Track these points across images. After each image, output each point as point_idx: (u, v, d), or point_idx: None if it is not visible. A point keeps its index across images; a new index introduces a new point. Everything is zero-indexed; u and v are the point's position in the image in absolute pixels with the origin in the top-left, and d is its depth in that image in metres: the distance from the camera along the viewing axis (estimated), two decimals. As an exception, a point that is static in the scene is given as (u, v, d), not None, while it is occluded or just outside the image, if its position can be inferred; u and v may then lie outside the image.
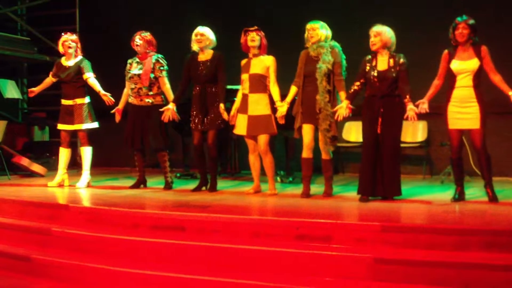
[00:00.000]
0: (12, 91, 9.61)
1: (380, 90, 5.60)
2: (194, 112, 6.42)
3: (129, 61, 6.73)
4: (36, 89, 7.02)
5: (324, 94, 5.81)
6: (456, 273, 3.96)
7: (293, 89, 6.04)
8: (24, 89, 10.76)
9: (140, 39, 6.59)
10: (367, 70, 5.68)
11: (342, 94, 5.83)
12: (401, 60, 5.62)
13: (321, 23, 5.94)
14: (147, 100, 6.60)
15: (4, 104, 9.57)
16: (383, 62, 5.65)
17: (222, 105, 6.27)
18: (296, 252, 4.35)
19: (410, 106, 5.48)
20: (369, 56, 5.72)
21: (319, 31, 5.89)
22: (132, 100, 6.67)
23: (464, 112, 5.47)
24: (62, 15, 9.98)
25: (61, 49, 6.96)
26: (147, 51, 6.63)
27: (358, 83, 5.72)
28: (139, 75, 6.55)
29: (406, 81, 5.59)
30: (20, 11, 10.56)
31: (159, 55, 6.67)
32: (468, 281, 3.92)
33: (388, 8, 8.02)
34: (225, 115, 6.26)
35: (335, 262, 4.22)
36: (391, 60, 5.63)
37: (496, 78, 5.46)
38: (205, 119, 6.36)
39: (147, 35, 6.65)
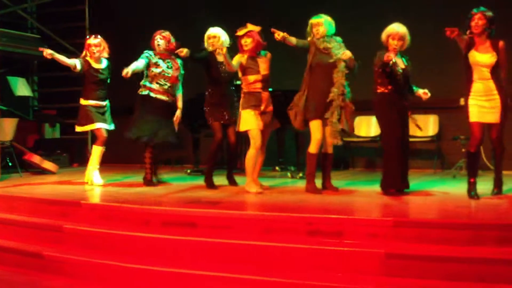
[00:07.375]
0: (22, 88, 9.66)
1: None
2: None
3: (152, 57, 6.64)
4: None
5: (340, 87, 5.81)
6: (470, 268, 3.94)
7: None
8: (34, 86, 10.80)
9: (161, 39, 6.64)
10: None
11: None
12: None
13: (325, 17, 5.90)
14: (172, 98, 6.71)
15: (15, 101, 9.60)
16: (400, 61, 5.70)
17: None
18: (308, 248, 4.33)
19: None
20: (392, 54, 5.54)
21: (323, 26, 5.86)
22: (160, 96, 6.65)
23: (486, 106, 5.34)
24: (71, 12, 10.03)
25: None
26: (169, 50, 6.67)
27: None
28: (174, 74, 6.64)
29: None
30: (30, 9, 10.59)
31: None
32: (483, 275, 3.89)
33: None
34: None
35: (347, 257, 4.20)
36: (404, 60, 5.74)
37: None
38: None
39: (167, 34, 6.69)
